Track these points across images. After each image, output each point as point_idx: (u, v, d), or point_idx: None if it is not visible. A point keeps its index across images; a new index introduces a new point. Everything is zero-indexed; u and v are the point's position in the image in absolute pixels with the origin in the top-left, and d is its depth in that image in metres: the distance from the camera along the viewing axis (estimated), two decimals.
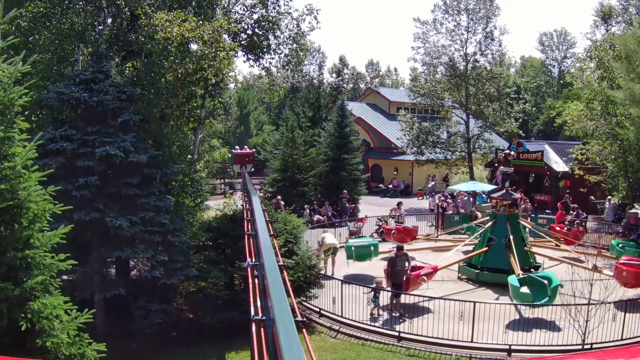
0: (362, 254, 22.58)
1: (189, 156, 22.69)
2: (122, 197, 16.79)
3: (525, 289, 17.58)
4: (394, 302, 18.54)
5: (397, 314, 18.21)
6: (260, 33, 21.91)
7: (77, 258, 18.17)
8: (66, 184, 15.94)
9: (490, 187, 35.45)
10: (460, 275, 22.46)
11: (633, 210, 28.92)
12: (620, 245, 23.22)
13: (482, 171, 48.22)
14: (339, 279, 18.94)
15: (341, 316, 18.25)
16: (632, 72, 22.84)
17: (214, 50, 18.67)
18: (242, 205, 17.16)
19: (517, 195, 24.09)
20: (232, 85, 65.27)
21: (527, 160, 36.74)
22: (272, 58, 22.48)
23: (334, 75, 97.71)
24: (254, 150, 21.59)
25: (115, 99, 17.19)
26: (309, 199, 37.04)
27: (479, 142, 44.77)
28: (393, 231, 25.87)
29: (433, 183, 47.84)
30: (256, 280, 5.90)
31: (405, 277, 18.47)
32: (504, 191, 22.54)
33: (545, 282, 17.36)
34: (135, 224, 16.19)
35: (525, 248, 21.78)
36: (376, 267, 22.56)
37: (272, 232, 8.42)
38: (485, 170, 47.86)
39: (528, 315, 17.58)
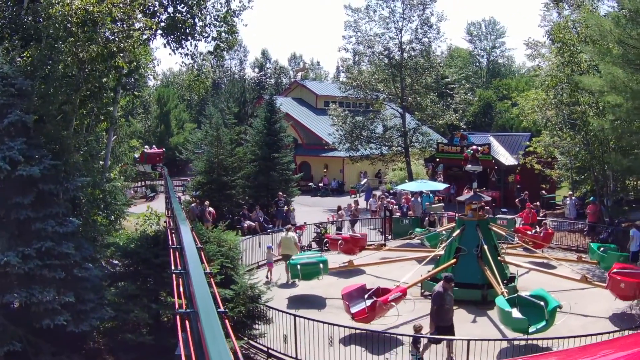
0: (309, 272, 19.31)
1: (100, 162, 18.78)
2: (11, 222, 12.92)
3: (517, 313, 14.56)
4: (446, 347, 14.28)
5: None
6: (184, 11, 18.24)
7: None
8: None
9: (442, 185, 32.99)
10: (423, 291, 19.58)
11: None
12: (602, 249, 20.85)
13: (417, 166, 45.69)
14: (290, 313, 15.08)
15: (295, 358, 14.72)
16: (608, 55, 20.37)
17: (126, 28, 14.91)
18: (166, 227, 13.79)
19: (488, 197, 21.31)
20: (151, 83, 60.96)
21: None
22: (199, 40, 18.86)
23: (257, 70, 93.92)
24: (163, 149, 19.07)
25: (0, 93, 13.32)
26: (238, 202, 33.69)
27: (416, 135, 42.23)
28: (340, 241, 22.84)
29: (366, 180, 45.29)
30: None
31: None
32: (471, 193, 19.78)
33: (542, 303, 14.55)
34: (29, 258, 12.38)
35: (499, 258, 19.05)
36: (325, 286, 19.93)
37: (219, 305, 5.28)
38: (422, 165, 45.50)
39: (519, 343, 14.71)
